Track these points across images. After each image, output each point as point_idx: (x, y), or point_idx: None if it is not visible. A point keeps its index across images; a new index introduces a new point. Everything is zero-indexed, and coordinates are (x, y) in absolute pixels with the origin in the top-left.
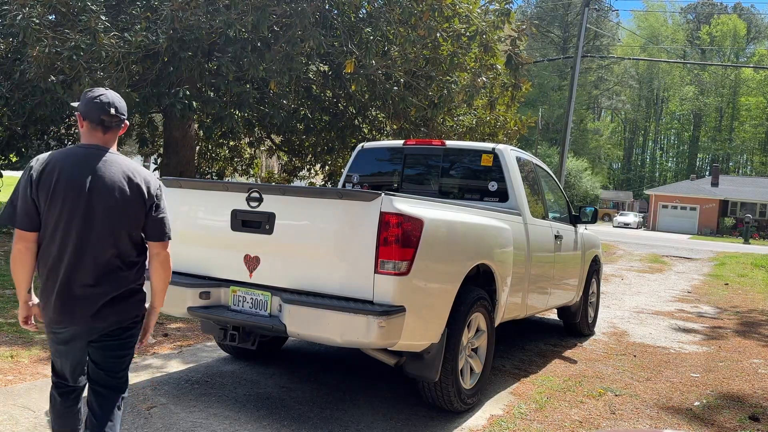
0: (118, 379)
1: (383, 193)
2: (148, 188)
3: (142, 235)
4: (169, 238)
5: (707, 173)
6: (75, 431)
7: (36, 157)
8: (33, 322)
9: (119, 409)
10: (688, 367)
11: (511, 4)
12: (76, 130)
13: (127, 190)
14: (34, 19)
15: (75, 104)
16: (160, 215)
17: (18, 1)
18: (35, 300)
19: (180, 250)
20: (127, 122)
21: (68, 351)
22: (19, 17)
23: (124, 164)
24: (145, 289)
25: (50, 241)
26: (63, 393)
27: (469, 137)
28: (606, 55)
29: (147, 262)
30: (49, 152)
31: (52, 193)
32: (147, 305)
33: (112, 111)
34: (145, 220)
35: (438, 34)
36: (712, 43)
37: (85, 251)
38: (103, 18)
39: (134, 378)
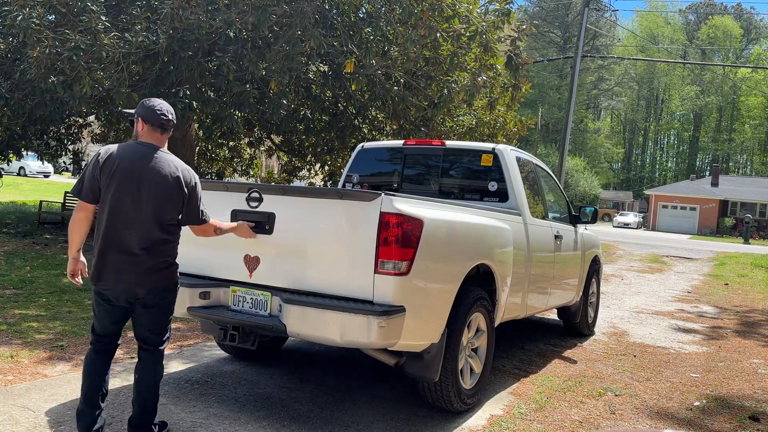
0: (157, 335)
1: (383, 193)
2: (187, 181)
3: (178, 218)
4: (205, 221)
5: (707, 173)
6: (99, 389)
7: (104, 146)
8: (79, 278)
9: (157, 362)
10: (688, 367)
11: (511, 4)
12: (76, 130)
13: (171, 181)
14: (34, 20)
15: (132, 111)
16: (195, 202)
17: (18, 1)
18: (83, 259)
19: (180, 250)
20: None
21: (110, 310)
22: (19, 17)
23: (171, 161)
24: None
25: (106, 215)
26: (97, 351)
27: (469, 137)
28: (606, 55)
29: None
30: (116, 144)
31: (110, 177)
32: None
33: (169, 116)
34: (182, 207)
35: (438, 34)
36: (709, 43)
37: (133, 227)
38: (104, 18)
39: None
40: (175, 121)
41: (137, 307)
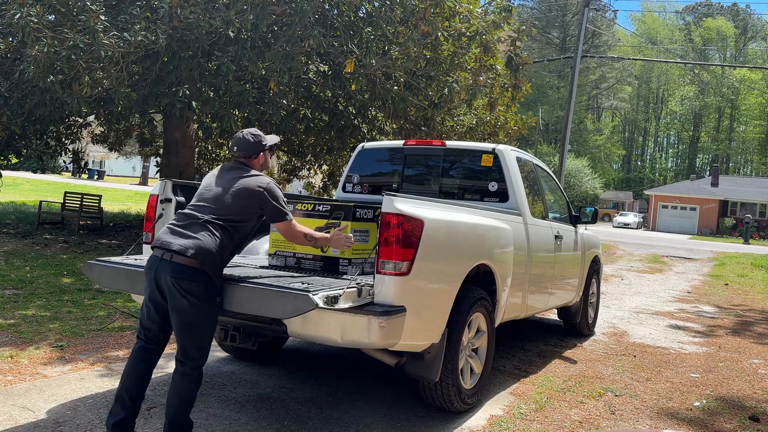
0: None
1: (384, 193)
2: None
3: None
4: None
5: (707, 173)
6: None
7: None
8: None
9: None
10: (688, 368)
11: (511, 1)
12: (75, 130)
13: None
14: (33, 18)
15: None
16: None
17: (17, 0)
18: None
19: None
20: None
21: None
22: (17, 16)
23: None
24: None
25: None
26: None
27: (470, 137)
28: (605, 55)
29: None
30: None
31: None
32: None
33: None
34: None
35: (439, 33)
36: (703, 44)
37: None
38: (103, 18)
39: None
40: (235, 150)
41: None
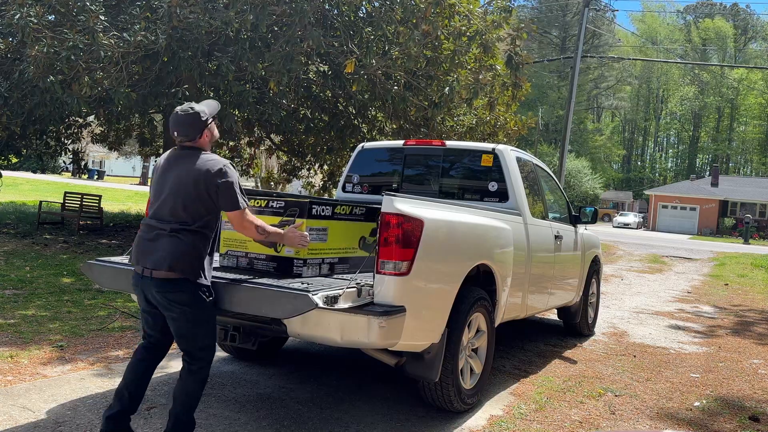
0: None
1: (384, 193)
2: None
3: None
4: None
5: (707, 173)
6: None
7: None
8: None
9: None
10: (687, 368)
11: (511, 1)
12: (75, 130)
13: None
14: (32, 19)
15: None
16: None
17: (17, 0)
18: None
19: None
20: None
21: None
22: (17, 16)
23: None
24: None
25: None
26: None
27: (469, 137)
28: (605, 55)
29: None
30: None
31: None
32: None
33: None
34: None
35: (439, 32)
36: (702, 44)
37: None
38: (102, 18)
39: None
40: (176, 135)
41: None
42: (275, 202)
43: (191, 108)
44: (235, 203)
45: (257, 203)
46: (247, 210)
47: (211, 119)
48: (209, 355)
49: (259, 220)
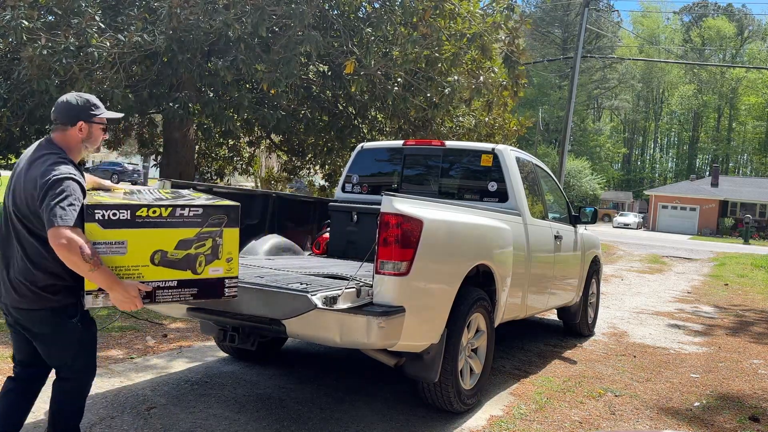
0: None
1: (383, 194)
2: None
3: None
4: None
5: (707, 173)
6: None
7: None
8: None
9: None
10: (687, 368)
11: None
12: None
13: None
14: (24, 21)
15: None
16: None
17: (9, 2)
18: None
19: None
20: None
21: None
22: (7, 17)
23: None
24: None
25: None
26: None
27: (467, 139)
28: (605, 55)
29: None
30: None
31: None
32: None
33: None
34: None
35: (440, 34)
36: (703, 44)
37: None
38: (98, 19)
39: (134, 379)
40: (53, 116)
41: None
42: (188, 209)
43: (85, 97)
44: (49, 219)
45: (155, 212)
46: (67, 230)
47: (96, 118)
48: (82, 376)
49: (84, 244)
